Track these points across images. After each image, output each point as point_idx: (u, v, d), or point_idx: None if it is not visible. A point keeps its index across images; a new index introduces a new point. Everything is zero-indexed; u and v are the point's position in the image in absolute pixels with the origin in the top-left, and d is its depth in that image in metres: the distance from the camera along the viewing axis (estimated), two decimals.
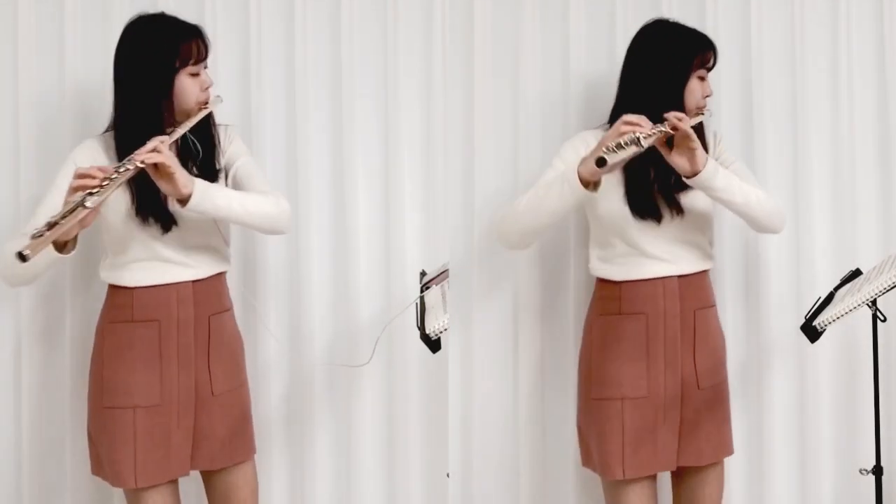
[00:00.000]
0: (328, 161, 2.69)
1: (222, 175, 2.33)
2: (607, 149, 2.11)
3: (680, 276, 2.36)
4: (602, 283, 2.42)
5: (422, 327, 2.15)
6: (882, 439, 2.38)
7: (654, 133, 2.15)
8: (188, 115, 2.25)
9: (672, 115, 2.19)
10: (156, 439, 2.23)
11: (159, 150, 2.09)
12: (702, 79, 2.35)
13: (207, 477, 2.39)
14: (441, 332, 2.11)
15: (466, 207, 2.74)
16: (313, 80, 2.68)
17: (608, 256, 2.39)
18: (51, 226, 1.96)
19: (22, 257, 1.91)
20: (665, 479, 2.56)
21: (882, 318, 2.30)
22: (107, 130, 2.30)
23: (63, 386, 2.60)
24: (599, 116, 2.62)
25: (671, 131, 2.18)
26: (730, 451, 2.46)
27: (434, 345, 2.12)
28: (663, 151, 2.22)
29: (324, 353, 2.70)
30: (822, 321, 2.30)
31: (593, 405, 2.38)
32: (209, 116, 2.32)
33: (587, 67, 2.71)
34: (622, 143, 2.11)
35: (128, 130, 2.21)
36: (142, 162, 2.08)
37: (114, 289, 2.28)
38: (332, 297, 2.71)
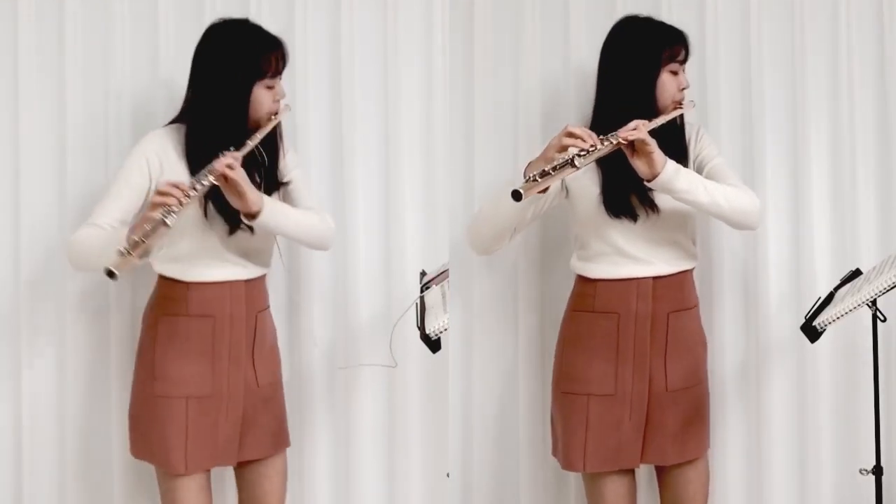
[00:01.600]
0: (328, 161, 2.69)
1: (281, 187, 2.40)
2: (541, 174, 2.08)
3: (655, 278, 2.36)
4: (580, 279, 2.43)
5: (422, 327, 2.15)
6: (882, 439, 2.37)
7: (595, 149, 2.13)
8: (258, 123, 2.30)
9: (622, 131, 2.17)
10: (206, 429, 2.31)
11: (233, 167, 2.15)
12: (674, 73, 2.34)
13: (237, 468, 2.45)
14: (441, 332, 2.11)
15: (466, 207, 2.74)
16: (313, 80, 2.68)
17: (586, 255, 2.41)
18: (135, 245, 2.02)
19: (111, 275, 1.98)
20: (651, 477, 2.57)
21: (882, 318, 2.30)
22: (172, 122, 2.34)
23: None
24: None
25: (623, 142, 2.17)
26: (698, 453, 2.44)
27: (434, 345, 2.12)
28: (627, 153, 2.20)
29: (323, 353, 2.70)
30: (822, 321, 2.30)
31: (561, 398, 2.42)
32: (276, 126, 2.36)
33: (587, 67, 2.70)
34: (556, 165, 2.10)
35: (200, 132, 2.27)
36: (216, 179, 2.14)
37: (168, 281, 2.33)
38: (332, 297, 2.71)
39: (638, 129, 2.17)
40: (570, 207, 2.43)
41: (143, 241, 2.02)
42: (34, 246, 2.64)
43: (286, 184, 2.39)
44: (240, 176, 2.16)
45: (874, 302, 2.27)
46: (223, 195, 2.21)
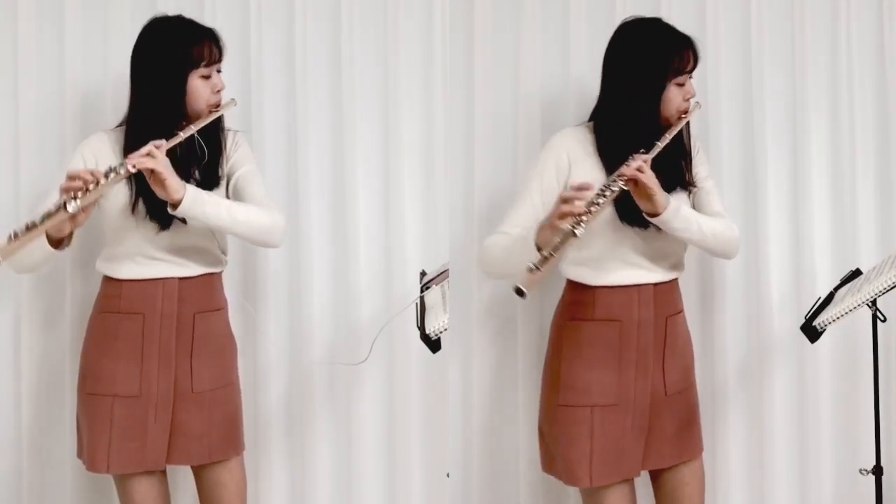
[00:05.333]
0: (328, 161, 2.69)
1: (223, 182, 2.35)
2: (542, 260, 1.94)
3: (656, 284, 2.31)
4: (573, 286, 2.34)
5: (422, 327, 2.15)
6: (882, 439, 2.38)
7: (597, 207, 2.02)
8: (199, 117, 2.28)
9: (628, 171, 2.10)
10: (132, 430, 2.28)
11: (154, 156, 2.12)
12: (681, 85, 2.26)
13: (196, 472, 2.42)
14: (441, 332, 2.11)
15: (466, 207, 2.74)
16: (313, 81, 2.68)
17: (582, 258, 2.30)
18: (28, 228, 1.98)
19: None
20: (644, 480, 2.56)
21: (882, 318, 2.30)
22: (119, 126, 2.33)
23: (62, 371, 2.63)
24: None
25: (624, 188, 2.10)
26: (693, 454, 2.40)
27: (434, 345, 2.12)
28: (629, 188, 2.13)
29: (324, 354, 2.70)
30: (822, 321, 2.30)
31: (559, 411, 2.30)
32: (219, 120, 2.34)
33: (587, 67, 2.71)
34: (556, 245, 1.97)
35: (137, 129, 2.25)
36: (133, 167, 2.10)
37: (106, 279, 2.34)
38: (332, 298, 2.71)
39: (642, 172, 2.11)
40: None
41: (37, 225, 1.97)
42: None
43: (221, 178, 2.34)
44: (158, 164, 2.12)
45: (874, 302, 2.27)
46: (151, 193, 2.18)
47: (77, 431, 2.39)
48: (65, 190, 2.04)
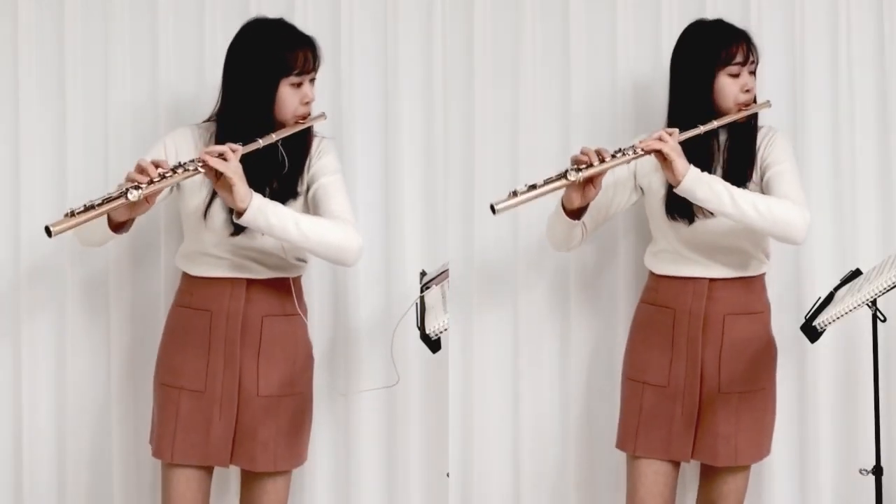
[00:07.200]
0: None
1: (301, 196, 2.34)
2: (530, 187, 2.15)
3: (712, 280, 2.40)
4: (649, 273, 2.51)
5: (422, 327, 2.15)
6: (882, 439, 2.37)
7: (603, 162, 2.19)
8: (283, 126, 2.27)
9: (642, 142, 2.23)
10: (196, 423, 2.31)
11: (227, 159, 2.12)
12: (734, 75, 2.35)
13: (243, 473, 2.43)
14: (441, 332, 2.11)
15: (466, 207, 2.74)
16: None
17: (654, 250, 2.49)
18: (86, 208, 2.01)
19: (48, 232, 1.97)
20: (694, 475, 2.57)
21: (882, 318, 2.30)
22: (205, 121, 2.35)
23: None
24: (599, 117, 2.63)
25: (642, 153, 2.22)
26: (750, 460, 2.44)
27: (434, 345, 2.12)
28: (658, 159, 2.24)
29: (323, 354, 2.70)
30: (822, 321, 2.29)
31: (625, 383, 2.52)
32: (307, 132, 2.34)
33: (586, 68, 2.71)
34: (546, 179, 2.16)
35: (222, 131, 2.27)
36: (203, 165, 2.11)
37: (183, 275, 2.39)
38: (331, 297, 2.70)
39: (661, 140, 2.21)
40: (644, 204, 2.48)
41: (95, 206, 2.01)
42: (34, 244, 2.66)
43: (299, 194, 2.33)
44: (229, 168, 2.11)
45: (874, 302, 2.26)
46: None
47: (151, 417, 2.42)
48: (129, 179, 2.07)
